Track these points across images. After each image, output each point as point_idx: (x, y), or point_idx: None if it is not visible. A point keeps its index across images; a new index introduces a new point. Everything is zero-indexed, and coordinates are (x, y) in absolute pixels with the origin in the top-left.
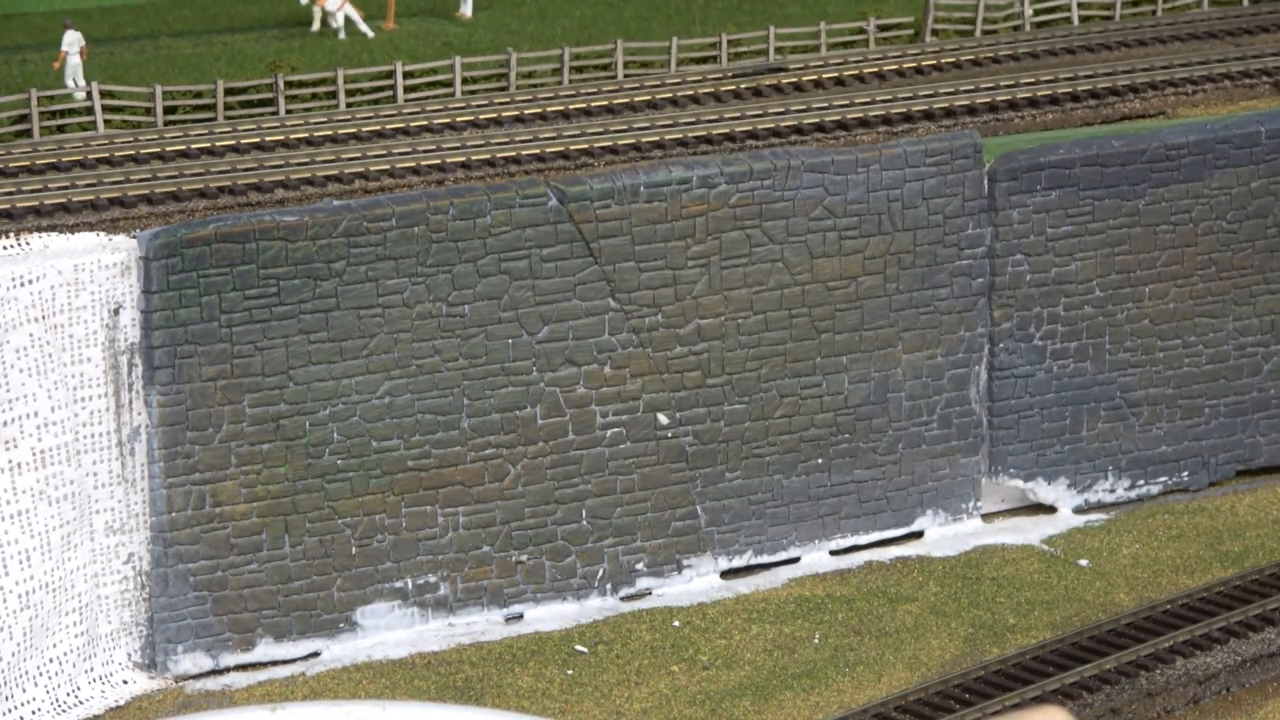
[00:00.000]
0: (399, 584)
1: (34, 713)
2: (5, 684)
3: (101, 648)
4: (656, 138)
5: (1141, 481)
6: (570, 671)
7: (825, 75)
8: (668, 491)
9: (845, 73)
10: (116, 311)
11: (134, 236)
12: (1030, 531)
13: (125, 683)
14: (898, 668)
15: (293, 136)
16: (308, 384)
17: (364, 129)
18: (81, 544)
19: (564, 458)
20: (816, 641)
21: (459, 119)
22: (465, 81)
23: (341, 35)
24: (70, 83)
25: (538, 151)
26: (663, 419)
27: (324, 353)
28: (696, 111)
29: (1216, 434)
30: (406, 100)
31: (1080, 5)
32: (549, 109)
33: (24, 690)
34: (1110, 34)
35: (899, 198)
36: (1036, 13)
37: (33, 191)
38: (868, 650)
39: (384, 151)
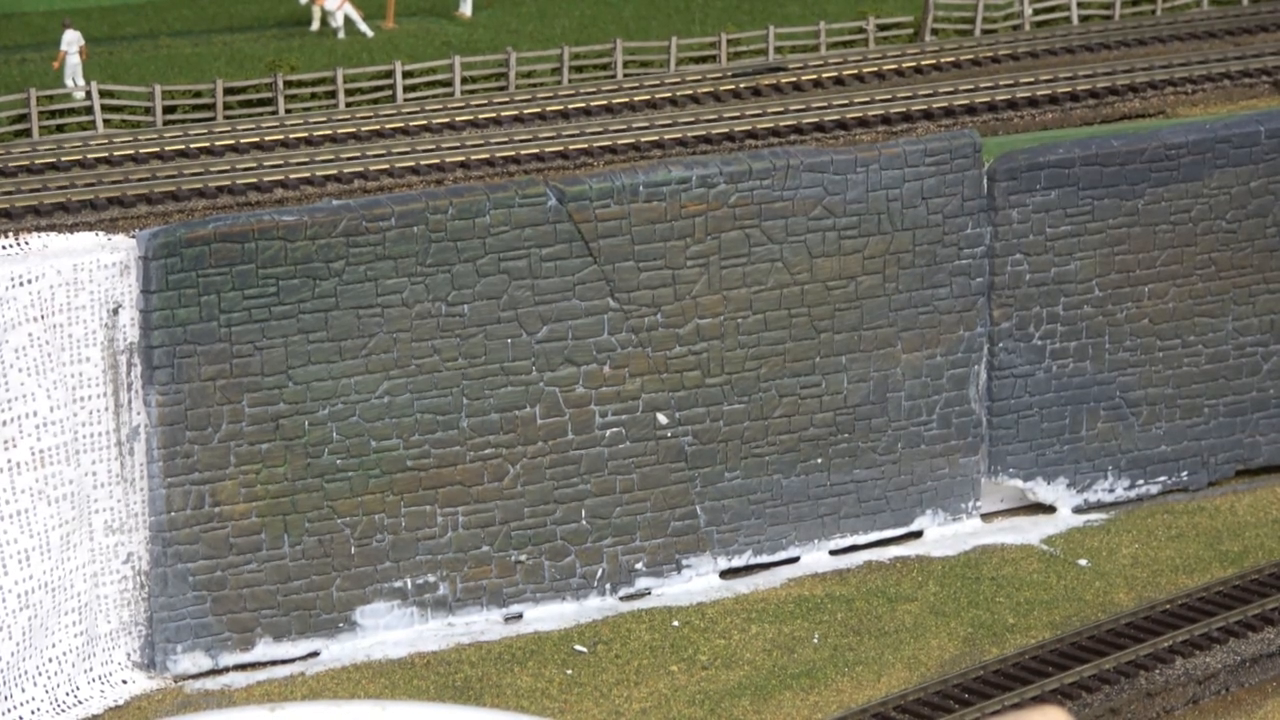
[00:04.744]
0: (398, 584)
1: (33, 712)
2: (4, 684)
3: (101, 647)
4: (656, 137)
5: (1141, 481)
6: (569, 671)
7: (825, 75)
8: (667, 491)
9: (845, 72)
10: (115, 311)
11: (133, 236)
12: (1030, 531)
13: (124, 682)
14: (897, 668)
15: (292, 136)
16: (307, 384)
17: (363, 129)
18: (80, 544)
19: (563, 457)
20: (816, 641)
21: (458, 119)
22: (465, 81)
23: (341, 35)
24: (69, 82)
25: (537, 151)
26: (662, 419)
27: (323, 352)
28: (696, 111)
29: (1216, 434)
30: (406, 100)
31: (1080, 5)
32: (548, 109)
33: (23, 690)
34: (1110, 34)
35: (898, 197)
36: (1036, 12)
37: (32, 191)
38: (867, 650)
39: (383, 151)
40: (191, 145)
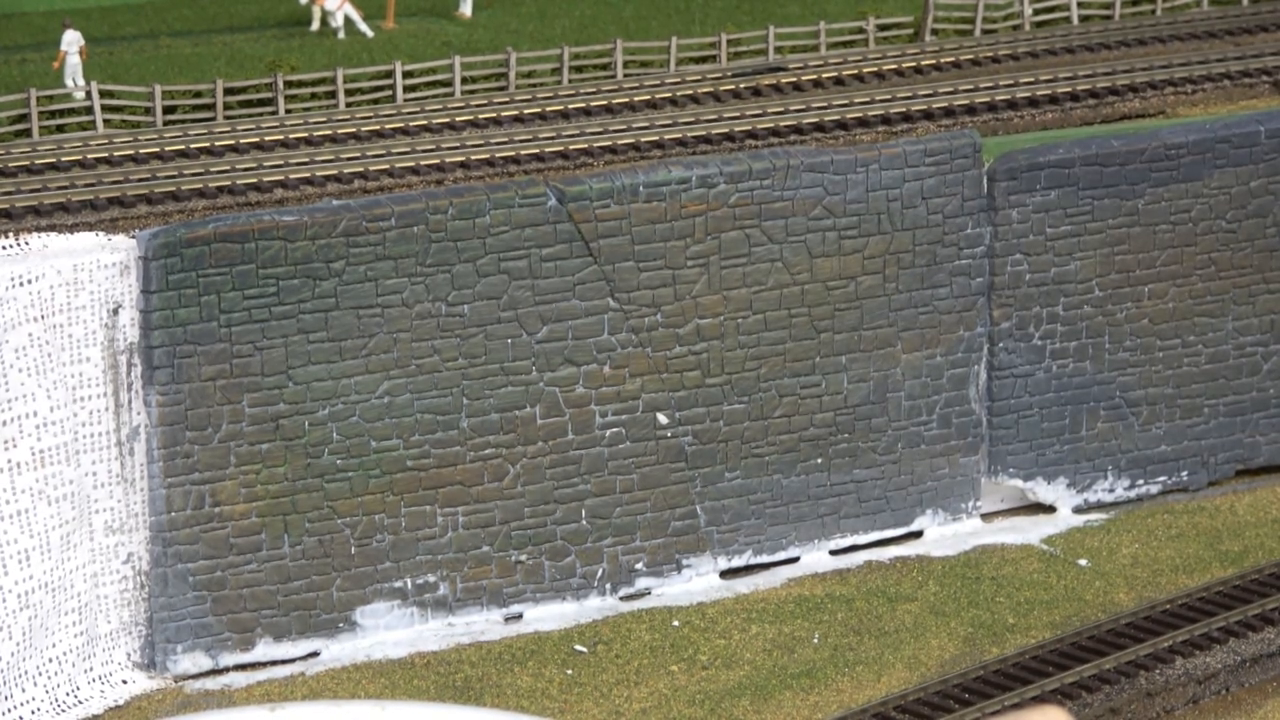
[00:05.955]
0: (398, 584)
1: (33, 712)
2: (5, 684)
3: (101, 647)
4: (656, 138)
5: (1141, 481)
6: (570, 671)
7: (825, 75)
8: (667, 491)
9: (845, 72)
10: (115, 311)
11: (133, 236)
12: (1030, 531)
13: (124, 682)
14: (897, 667)
15: (292, 136)
16: (307, 384)
17: (363, 129)
18: (81, 544)
19: (563, 457)
20: (816, 641)
21: (458, 119)
22: (465, 81)
23: (341, 35)
24: (69, 82)
25: (537, 151)
26: (662, 419)
27: (323, 352)
28: (696, 111)
29: (1216, 434)
30: (406, 100)
31: (1080, 5)
32: (548, 109)
33: (23, 690)
34: (1110, 34)
35: (898, 197)
36: (1036, 12)
37: (32, 191)
38: (867, 650)
39: (383, 151)
40: (191, 145)
